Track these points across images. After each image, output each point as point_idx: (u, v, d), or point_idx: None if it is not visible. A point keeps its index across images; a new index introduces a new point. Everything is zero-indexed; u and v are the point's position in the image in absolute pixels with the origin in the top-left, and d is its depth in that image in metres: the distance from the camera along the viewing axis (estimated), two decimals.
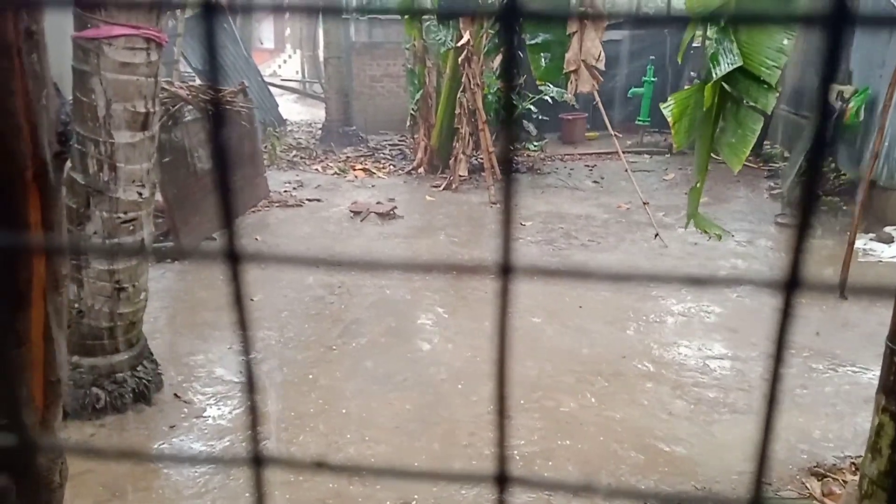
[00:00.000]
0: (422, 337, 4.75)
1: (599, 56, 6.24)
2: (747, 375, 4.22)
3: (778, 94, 3.40)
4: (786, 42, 3.18)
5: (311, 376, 4.12)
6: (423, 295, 5.43)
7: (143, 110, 3.26)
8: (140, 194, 3.35)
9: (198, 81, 10.19)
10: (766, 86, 3.11)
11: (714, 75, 3.04)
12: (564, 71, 6.38)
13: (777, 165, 9.59)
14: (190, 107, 6.22)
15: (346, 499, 3.01)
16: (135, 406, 3.56)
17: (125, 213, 3.31)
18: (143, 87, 3.22)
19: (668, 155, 10.80)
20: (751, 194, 8.65)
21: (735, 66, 2.94)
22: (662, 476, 3.23)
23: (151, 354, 3.81)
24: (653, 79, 11.44)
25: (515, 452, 3.36)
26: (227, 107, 6.88)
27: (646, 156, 10.90)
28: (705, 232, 3.77)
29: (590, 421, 3.68)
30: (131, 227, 3.35)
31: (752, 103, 3.13)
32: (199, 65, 10.76)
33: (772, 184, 8.96)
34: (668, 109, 3.37)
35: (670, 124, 3.38)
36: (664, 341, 4.69)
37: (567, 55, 6.36)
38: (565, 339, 4.65)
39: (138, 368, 3.62)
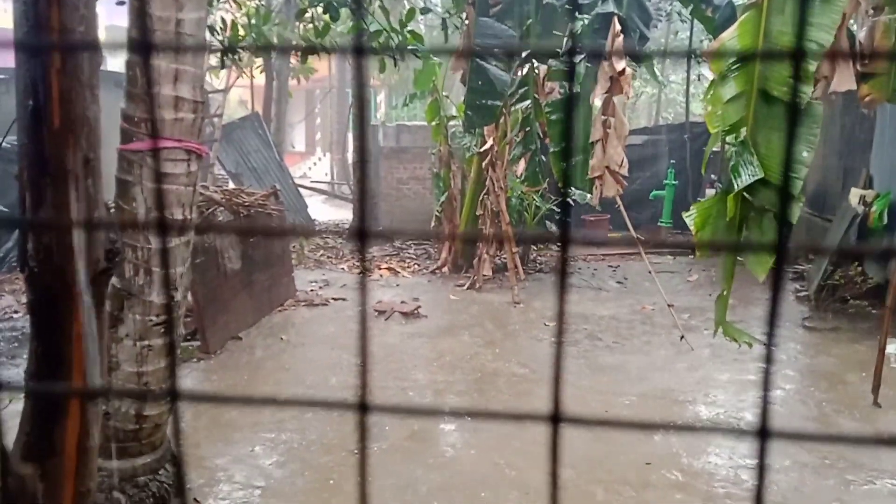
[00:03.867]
0: (445, 442, 4.69)
1: (622, 163, 6.42)
2: (781, 487, 4.09)
3: (801, 203, 3.46)
4: (805, 154, 3.27)
5: (332, 481, 4.06)
6: (447, 398, 5.39)
7: (180, 217, 3.40)
8: (173, 297, 3.45)
9: (231, 184, 10.58)
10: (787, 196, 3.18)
11: (736, 186, 3.12)
12: (589, 176, 6.56)
13: (802, 268, 9.56)
14: (222, 209, 6.45)
15: None
16: None
17: (157, 315, 3.40)
18: (182, 195, 3.38)
19: (692, 256, 10.83)
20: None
21: (756, 179, 3.02)
22: None
23: (174, 457, 3.80)
24: (674, 181, 11.64)
25: None
26: (259, 210, 7.11)
27: (669, 257, 10.94)
28: (734, 340, 3.75)
29: None
30: (162, 330, 3.43)
31: (774, 213, 3.19)
32: (233, 168, 11.19)
33: (797, 286, 8.91)
34: (690, 218, 3.44)
35: (693, 233, 3.44)
36: (693, 449, 4.58)
37: (591, 161, 6.56)
38: (591, 445, 4.56)
39: (160, 472, 3.60)
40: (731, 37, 3.03)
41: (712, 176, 11.56)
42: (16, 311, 7.17)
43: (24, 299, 7.12)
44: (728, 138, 3.51)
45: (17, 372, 5.53)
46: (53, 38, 1.33)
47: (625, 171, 6.56)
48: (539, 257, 10.58)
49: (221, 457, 4.30)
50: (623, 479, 4.13)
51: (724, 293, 3.43)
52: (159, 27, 3.27)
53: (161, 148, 3.25)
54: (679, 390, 5.53)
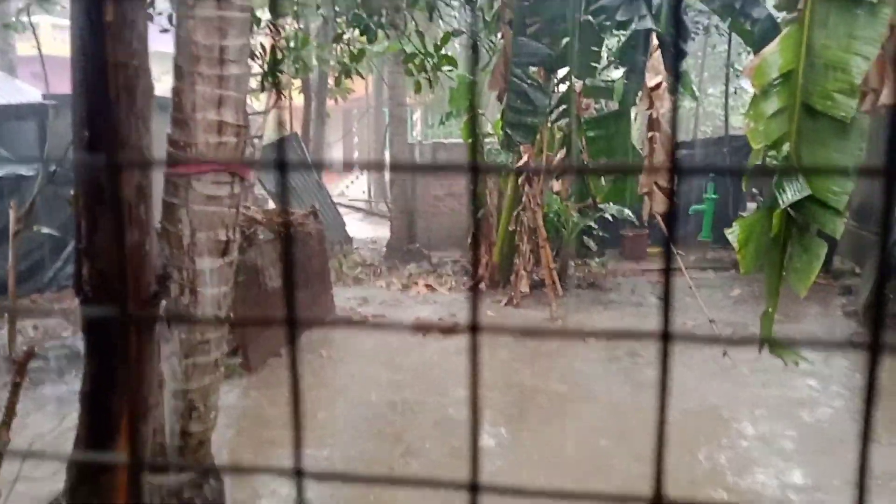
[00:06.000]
0: (485, 459, 4.68)
1: (671, 178, 6.37)
2: None
3: (845, 217, 3.39)
4: (851, 168, 3.21)
5: (371, 497, 4.08)
6: (486, 414, 5.38)
7: (224, 238, 3.48)
8: (217, 317, 3.52)
9: (271, 204, 10.76)
10: (833, 211, 3.12)
11: (781, 202, 3.07)
12: (639, 192, 6.52)
13: (849, 283, 9.33)
14: (263, 229, 6.57)
15: None
16: None
17: (202, 334, 3.47)
18: (226, 217, 3.46)
19: (733, 271, 10.65)
20: (824, 312, 8.39)
21: (802, 196, 2.97)
22: None
23: (218, 473, 3.86)
24: (714, 195, 11.49)
25: None
26: (299, 228, 7.21)
27: (710, 272, 10.77)
28: (781, 358, 3.67)
29: None
30: (207, 348, 3.50)
31: (819, 229, 3.13)
32: (273, 188, 11.38)
33: (845, 301, 8.69)
34: (733, 235, 3.40)
35: (736, 249, 3.40)
36: (738, 467, 4.49)
37: (641, 178, 6.53)
38: (633, 464, 4.50)
39: (204, 487, 3.66)
40: (773, 51, 3.00)
41: (753, 189, 11.38)
42: (65, 331, 7.37)
43: (72, 318, 7.33)
44: (771, 153, 3.47)
45: (66, 389, 5.68)
46: (109, 72, 1.38)
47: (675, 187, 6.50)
48: (577, 273, 10.50)
49: (266, 469, 4.36)
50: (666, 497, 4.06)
51: (770, 310, 3.37)
52: (203, 53, 3.37)
53: (206, 171, 3.33)
54: (723, 407, 5.43)
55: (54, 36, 18.79)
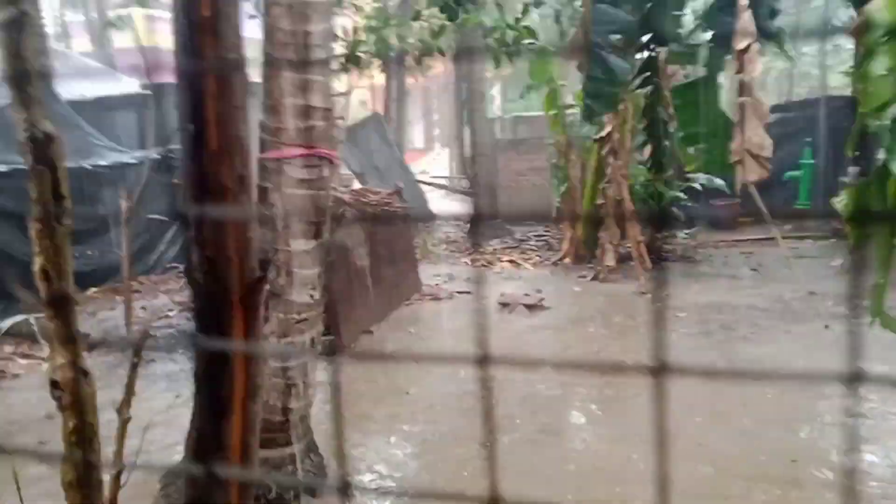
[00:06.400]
0: (575, 435, 4.67)
1: (764, 145, 6.10)
2: None
3: None
4: None
5: (465, 473, 4.15)
6: (576, 391, 5.35)
7: (315, 220, 3.58)
8: (311, 296, 3.64)
9: (356, 184, 10.96)
10: None
11: (894, 169, 2.88)
12: (731, 161, 6.29)
13: None
14: (351, 209, 6.71)
15: None
16: (303, 498, 3.74)
17: (298, 313, 3.60)
18: (317, 199, 3.55)
19: (834, 240, 10.13)
20: None
21: None
22: None
23: (317, 448, 4.01)
24: (811, 160, 10.93)
25: None
26: (384, 208, 7.33)
27: (808, 241, 10.29)
28: (892, 330, 3.46)
29: None
30: (303, 328, 3.63)
31: None
32: (358, 168, 11.58)
33: None
34: (840, 203, 3.22)
35: (843, 220, 3.21)
36: (844, 445, 4.30)
37: (732, 145, 6.29)
38: (730, 442, 4.38)
39: (305, 461, 3.82)
40: (879, 6, 2.81)
41: (857, 153, 10.74)
42: (170, 310, 7.78)
43: (177, 298, 7.72)
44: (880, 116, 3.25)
45: (175, 367, 6.01)
46: (210, 65, 1.44)
47: (768, 154, 6.21)
48: (665, 245, 10.23)
49: (360, 447, 4.49)
50: (766, 476, 3.94)
51: (882, 280, 3.18)
52: (289, 40, 3.45)
53: (297, 155, 3.43)
54: (827, 383, 5.20)
55: (148, 27, 19.60)
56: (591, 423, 4.82)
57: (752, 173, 6.20)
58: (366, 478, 4.12)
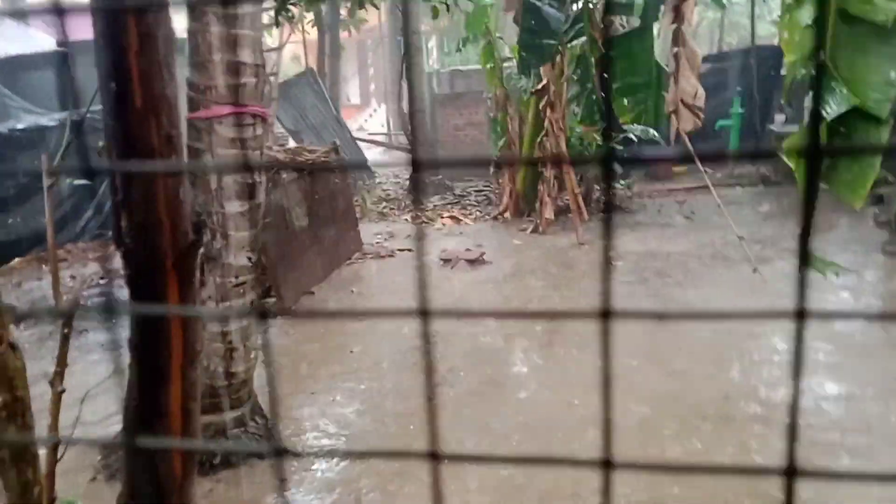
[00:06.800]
0: (518, 385, 4.77)
1: (697, 94, 6.20)
2: (865, 415, 4.02)
3: (890, 127, 3.28)
4: (893, 74, 3.09)
5: (412, 427, 4.20)
6: (518, 342, 5.45)
7: (250, 181, 3.49)
8: (249, 259, 3.57)
9: (291, 142, 10.73)
10: (875, 120, 3.03)
11: (825, 115, 2.97)
12: (666, 110, 6.37)
13: (882, 192, 9.14)
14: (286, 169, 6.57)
15: None
16: (248, 461, 3.73)
17: (236, 277, 3.53)
18: (251, 159, 3.46)
19: (761, 186, 10.49)
20: (854, 222, 8.26)
21: (846, 109, 2.87)
22: None
23: (262, 410, 3.99)
24: (740, 110, 11.21)
25: (623, 502, 3.31)
26: (320, 166, 7.20)
27: (738, 188, 10.62)
28: (819, 271, 3.62)
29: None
30: (241, 290, 3.57)
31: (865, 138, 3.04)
32: (292, 126, 11.32)
33: (876, 210, 8.54)
34: (787, 157, 3.32)
35: (793, 170, 3.31)
36: (772, 381, 4.53)
37: (667, 95, 6.37)
38: (665, 383, 4.56)
39: (250, 425, 3.80)
40: None
41: (781, 101, 11.08)
42: (102, 278, 7.54)
43: (107, 266, 7.48)
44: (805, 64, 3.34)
45: (108, 336, 5.85)
46: (129, 21, 1.37)
47: (700, 103, 6.32)
48: (601, 197, 10.40)
49: (305, 407, 4.49)
50: (700, 413, 4.12)
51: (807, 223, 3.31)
52: None
53: (227, 114, 3.32)
54: (754, 323, 5.43)
55: None
56: (533, 372, 4.92)
57: (686, 123, 6.32)
58: (311, 437, 4.13)
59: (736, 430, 3.96)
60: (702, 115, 6.43)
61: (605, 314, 0.46)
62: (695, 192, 10.47)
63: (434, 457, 0.52)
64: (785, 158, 3.31)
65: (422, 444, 3.98)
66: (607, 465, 0.51)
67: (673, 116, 6.31)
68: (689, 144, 7.56)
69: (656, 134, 9.19)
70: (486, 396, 4.56)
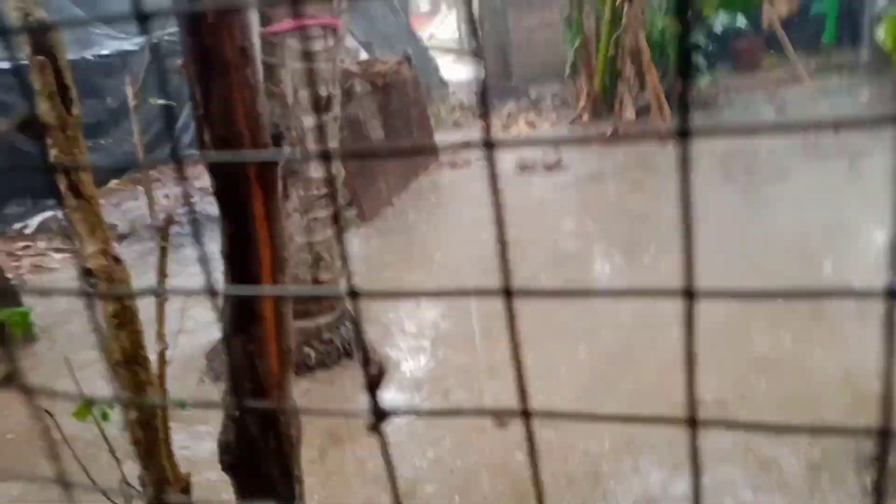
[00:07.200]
0: (602, 285, 4.76)
1: None
2: None
3: None
4: None
5: (495, 329, 4.30)
6: (597, 245, 5.42)
7: (325, 93, 3.52)
8: (329, 172, 3.64)
9: (363, 54, 10.66)
10: None
11: None
12: None
13: None
14: (360, 81, 6.56)
15: (540, 443, 3.15)
16: (340, 362, 3.94)
17: (318, 189, 3.62)
18: (324, 72, 3.48)
19: (862, 75, 9.76)
20: None
21: None
22: (873, 418, 3.06)
23: (351, 315, 4.16)
24: None
25: (709, 396, 3.32)
26: (394, 77, 7.16)
27: (835, 78, 9.92)
28: None
29: (787, 362, 3.53)
30: (324, 202, 3.66)
31: None
32: (364, 38, 11.21)
33: None
34: (883, 34, 3.06)
35: (888, 48, 3.07)
36: (867, 272, 4.33)
37: None
38: (753, 279, 4.45)
39: (340, 329, 3.98)
40: None
41: None
42: (193, 196, 7.86)
43: (198, 184, 7.78)
44: None
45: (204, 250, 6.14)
46: None
47: None
48: (686, 93, 9.90)
49: (391, 312, 4.65)
50: (789, 308, 4.02)
51: None
52: None
53: (299, 27, 3.32)
54: (851, 219, 5.19)
55: None
56: (615, 274, 4.90)
57: (782, 6, 5.89)
58: (400, 340, 4.29)
59: (827, 323, 3.86)
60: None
61: (689, 294, 0.45)
62: (787, 84, 9.86)
63: (525, 414, 0.54)
64: (884, 40, 3.05)
65: (503, 345, 4.08)
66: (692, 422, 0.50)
67: (766, 2, 5.89)
68: (781, 32, 7.07)
69: (745, 22, 8.63)
70: (566, 300, 4.58)
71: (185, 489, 1.77)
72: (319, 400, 3.71)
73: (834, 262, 4.61)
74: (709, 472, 2.84)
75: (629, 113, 8.71)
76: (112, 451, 1.80)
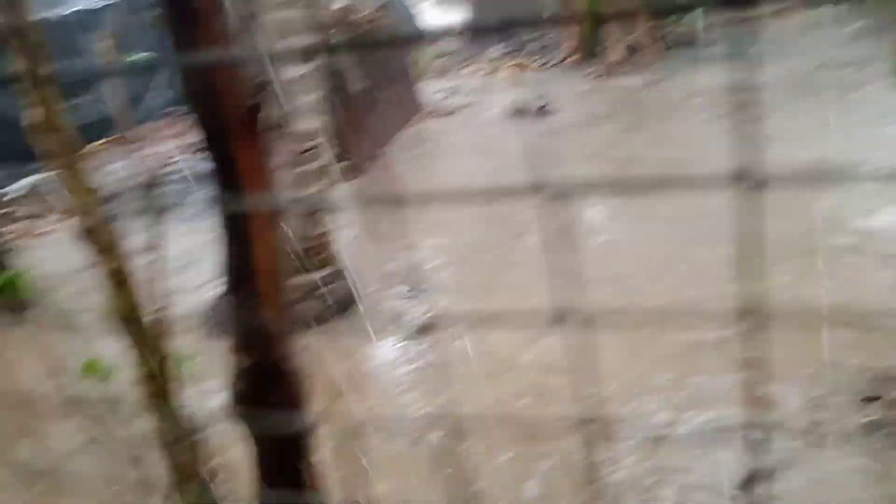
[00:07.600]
0: (595, 231, 4.73)
1: None
2: None
3: None
4: None
5: (493, 277, 4.28)
6: (594, 189, 5.36)
7: (305, 43, 3.42)
8: (316, 124, 3.56)
9: (338, 4, 10.37)
10: None
11: None
12: None
13: None
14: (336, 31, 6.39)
15: (545, 390, 3.16)
16: (340, 316, 3.92)
17: (306, 142, 3.55)
18: (303, 20, 3.37)
19: (853, 2, 9.57)
20: None
21: None
22: (874, 352, 3.07)
23: (348, 269, 4.13)
24: None
25: (709, 336, 3.32)
26: (371, 26, 6.98)
27: (824, 7, 9.73)
28: None
29: (787, 300, 3.53)
30: (313, 155, 3.59)
31: None
32: None
33: None
34: None
35: None
36: (864, 209, 4.30)
37: None
38: (746, 217, 4.42)
39: (338, 283, 3.96)
40: None
41: None
42: (178, 154, 7.72)
43: (183, 143, 7.65)
44: None
45: (190, 211, 6.06)
46: None
47: None
48: (671, 31, 9.71)
49: (389, 263, 4.59)
50: (786, 246, 3.98)
51: None
52: None
53: None
54: (848, 150, 5.14)
55: None
56: (610, 219, 4.86)
57: None
58: (400, 290, 4.26)
59: (826, 261, 3.83)
60: None
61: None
62: (773, 18, 9.69)
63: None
64: None
65: (504, 293, 4.06)
66: None
67: None
68: None
69: None
70: (563, 245, 4.54)
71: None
72: (320, 354, 3.70)
73: (830, 195, 4.57)
74: (711, 412, 2.87)
75: (617, 53, 8.56)
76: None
